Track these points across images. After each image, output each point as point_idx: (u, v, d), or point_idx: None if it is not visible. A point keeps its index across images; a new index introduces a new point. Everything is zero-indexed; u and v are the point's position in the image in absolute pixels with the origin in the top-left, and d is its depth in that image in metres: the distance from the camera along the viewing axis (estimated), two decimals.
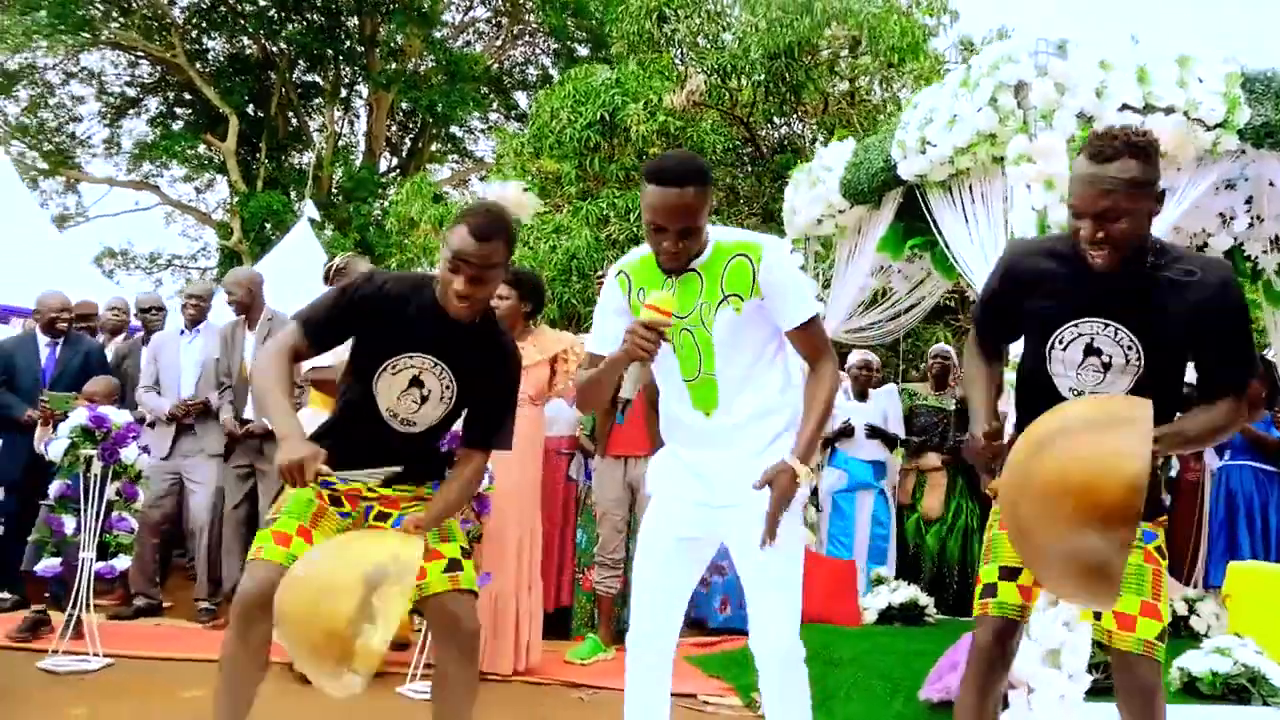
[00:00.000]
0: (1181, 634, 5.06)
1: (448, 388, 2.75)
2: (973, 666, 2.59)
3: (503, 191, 2.84)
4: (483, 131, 24.22)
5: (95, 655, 4.54)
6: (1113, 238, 2.30)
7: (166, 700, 4.10)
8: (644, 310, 2.47)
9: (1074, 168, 2.39)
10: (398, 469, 2.80)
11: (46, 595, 5.06)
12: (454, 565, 2.76)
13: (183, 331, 5.93)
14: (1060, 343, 2.47)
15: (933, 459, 6.43)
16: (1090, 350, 2.45)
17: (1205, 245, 4.88)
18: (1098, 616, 2.50)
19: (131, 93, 22.70)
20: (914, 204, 4.76)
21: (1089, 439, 2.15)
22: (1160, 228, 3.99)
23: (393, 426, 2.75)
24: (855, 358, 6.53)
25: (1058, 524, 2.15)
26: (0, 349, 6.03)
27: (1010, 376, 2.81)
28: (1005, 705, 3.62)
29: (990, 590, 2.56)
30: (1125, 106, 3.84)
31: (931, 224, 4.57)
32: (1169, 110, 3.87)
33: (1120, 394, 2.40)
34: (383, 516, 2.83)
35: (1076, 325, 2.45)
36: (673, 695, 4.39)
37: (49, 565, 4.71)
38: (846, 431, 6.28)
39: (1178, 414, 2.50)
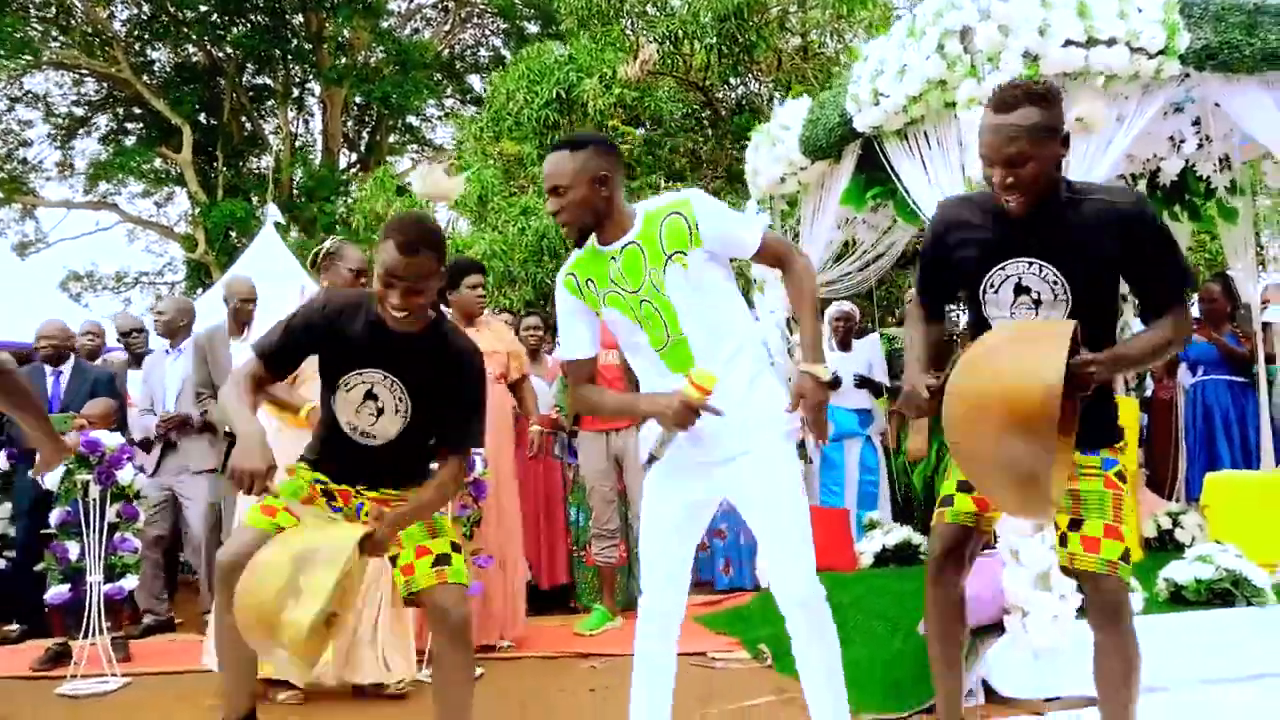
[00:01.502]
0: (1168, 547, 5.21)
1: (400, 400, 2.83)
2: (930, 568, 2.77)
3: (427, 178, 2.94)
4: (439, 118, 24.13)
5: (113, 676, 4.62)
6: (1022, 181, 2.46)
7: (190, 711, 4.17)
8: (688, 386, 2.55)
9: (981, 120, 2.53)
10: None
11: (69, 625, 5.07)
12: (441, 560, 2.86)
13: (168, 351, 6.04)
14: (991, 286, 2.63)
15: None
16: (1020, 289, 2.60)
17: (1158, 170, 4.99)
18: (1063, 543, 2.64)
19: (80, 112, 22.43)
20: (873, 155, 4.84)
21: (1010, 353, 2.33)
22: (1112, 155, 4.12)
23: (355, 440, 2.86)
24: (834, 309, 6.60)
25: (986, 434, 2.30)
26: None
27: None
28: (1001, 630, 3.76)
29: (948, 500, 2.75)
30: (1069, 42, 3.92)
31: (891, 173, 4.66)
32: (1111, 42, 3.95)
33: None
34: (376, 516, 2.90)
35: (1003, 268, 2.60)
36: (682, 654, 4.56)
37: (58, 593, 4.76)
38: (834, 383, 6.36)
39: (1111, 339, 2.62)
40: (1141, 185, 5.49)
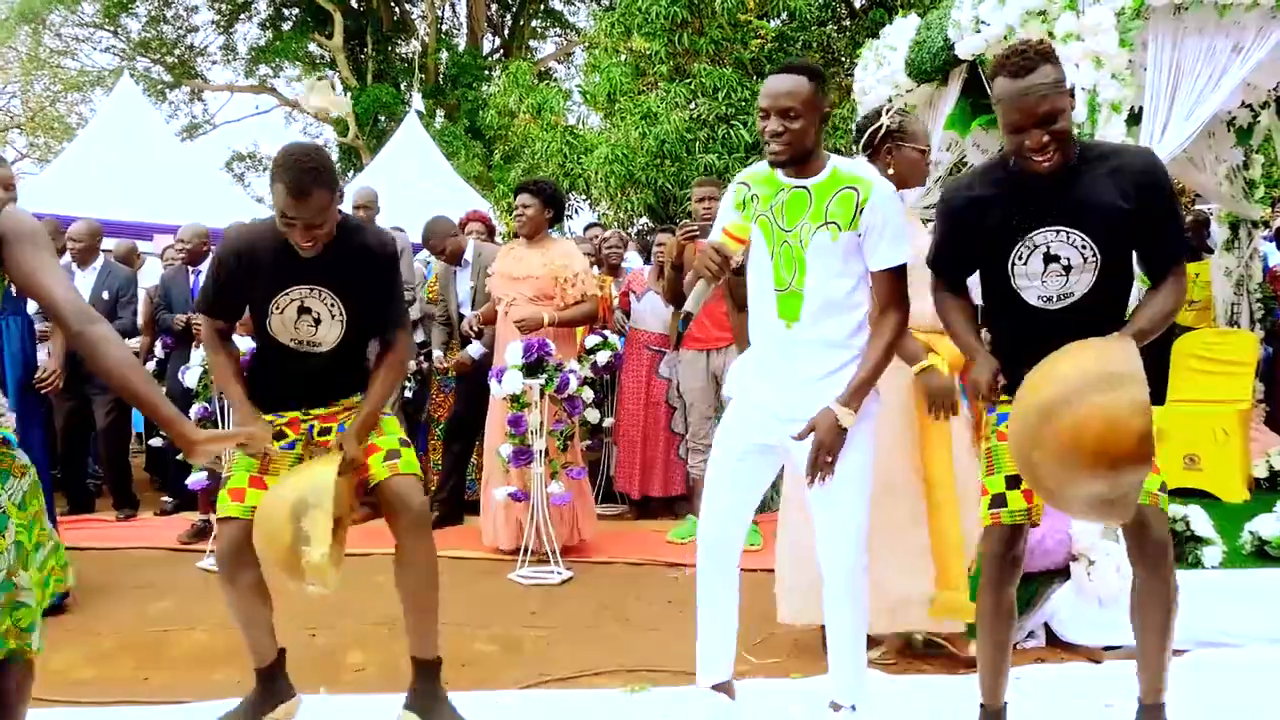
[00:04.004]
0: (1278, 489, 5.06)
1: (333, 305, 2.91)
2: (987, 573, 2.78)
3: (315, 94, 2.94)
4: (583, 2, 23.94)
5: None
6: (1057, 137, 2.47)
7: (299, 597, 4.58)
8: (719, 233, 2.63)
9: (996, 92, 2.51)
10: None
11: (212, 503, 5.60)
12: (392, 454, 2.98)
13: None
14: (1020, 259, 2.62)
15: None
16: (1049, 258, 2.59)
17: None
18: None
19: None
20: (978, 80, 4.69)
21: (1096, 402, 2.29)
22: (1226, 87, 3.92)
23: (302, 351, 2.95)
24: None
25: (1078, 480, 2.33)
26: (161, 280, 6.68)
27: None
28: (1066, 576, 3.79)
29: (999, 500, 2.73)
30: None
31: (994, 101, 4.51)
32: None
33: (1110, 342, 2.45)
34: (325, 432, 3.06)
35: (1030, 238, 2.59)
36: (763, 570, 4.73)
37: (198, 479, 5.28)
38: None
39: (1129, 295, 2.69)
40: (1265, 115, 5.15)
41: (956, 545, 3.51)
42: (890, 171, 3.42)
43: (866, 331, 2.84)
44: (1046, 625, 3.83)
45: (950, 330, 2.90)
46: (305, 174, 2.68)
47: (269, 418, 2.99)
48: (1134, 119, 3.92)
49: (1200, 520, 3.93)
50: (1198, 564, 3.83)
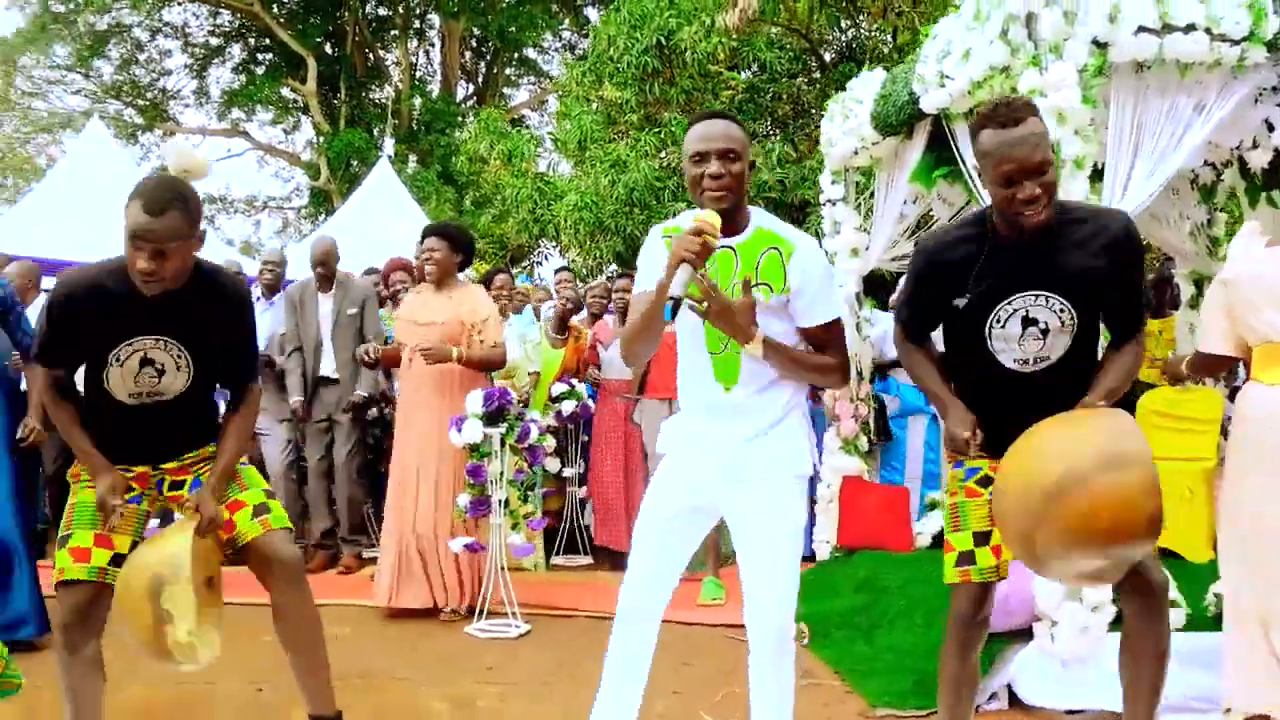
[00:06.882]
0: None
1: (179, 356, 2.75)
2: (954, 633, 2.73)
3: (175, 153, 2.83)
4: (557, 50, 24.16)
5: None
6: (1047, 190, 2.47)
7: (250, 643, 4.39)
8: (694, 221, 2.47)
9: (983, 145, 2.50)
10: None
11: None
12: (260, 509, 2.85)
13: (258, 299, 6.32)
14: (998, 322, 2.60)
15: None
16: (1027, 321, 2.58)
17: (1243, 159, 4.71)
18: None
19: (215, 42, 23.25)
20: (944, 133, 4.70)
21: (1108, 483, 2.28)
22: (1188, 146, 3.94)
23: (144, 405, 2.77)
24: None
25: (1082, 559, 2.34)
26: None
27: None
28: (1029, 636, 3.73)
29: (967, 558, 2.68)
30: (1141, 29, 3.73)
31: (956, 155, 4.53)
32: (1189, 28, 3.75)
33: (1110, 416, 2.43)
34: (177, 485, 2.89)
35: (1010, 302, 2.58)
36: (718, 625, 4.62)
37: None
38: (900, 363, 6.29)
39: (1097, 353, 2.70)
40: (1229, 174, 5.19)
41: None
42: None
43: (796, 385, 2.75)
44: (1009, 687, 3.75)
45: (921, 384, 2.87)
46: (166, 192, 2.57)
47: (119, 469, 2.80)
48: (1097, 175, 3.92)
49: None
50: None
